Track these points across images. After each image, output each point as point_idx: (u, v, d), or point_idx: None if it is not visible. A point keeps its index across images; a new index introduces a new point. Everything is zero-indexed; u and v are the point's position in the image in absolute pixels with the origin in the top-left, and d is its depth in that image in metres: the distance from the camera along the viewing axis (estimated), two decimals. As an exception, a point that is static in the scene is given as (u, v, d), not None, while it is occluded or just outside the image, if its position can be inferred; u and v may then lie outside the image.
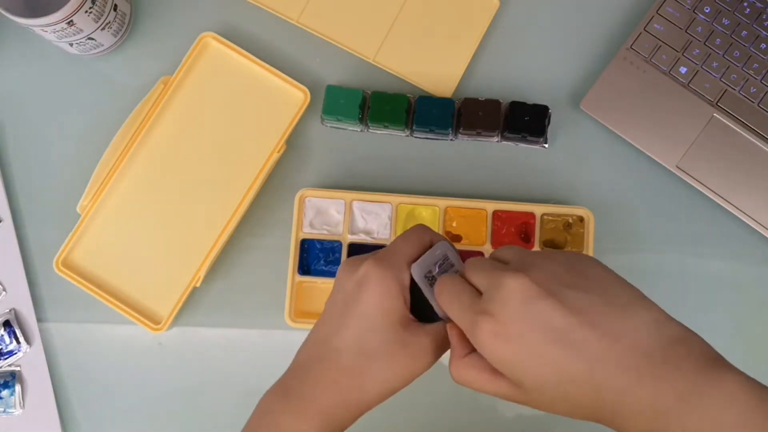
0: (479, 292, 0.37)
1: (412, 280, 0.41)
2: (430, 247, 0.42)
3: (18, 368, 0.62)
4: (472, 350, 0.38)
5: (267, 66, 0.63)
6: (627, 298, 0.35)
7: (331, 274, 0.61)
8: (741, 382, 0.32)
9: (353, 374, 0.39)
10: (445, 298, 0.39)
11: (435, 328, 0.41)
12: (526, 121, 0.61)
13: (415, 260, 0.41)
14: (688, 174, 0.61)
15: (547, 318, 0.34)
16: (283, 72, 0.63)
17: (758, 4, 0.62)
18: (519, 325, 0.34)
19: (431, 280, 0.41)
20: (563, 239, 0.61)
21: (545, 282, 0.35)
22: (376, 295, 0.39)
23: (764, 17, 0.62)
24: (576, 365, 0.33)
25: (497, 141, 0.63)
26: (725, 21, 0.62)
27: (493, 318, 0.35)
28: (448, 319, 0.40)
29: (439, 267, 0.42)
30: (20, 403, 0.61)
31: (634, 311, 0.34)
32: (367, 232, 0.61)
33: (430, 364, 0.41)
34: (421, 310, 0.41)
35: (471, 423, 0.62)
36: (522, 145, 0.63)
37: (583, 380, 0.33)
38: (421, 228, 0.43)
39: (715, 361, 0.34)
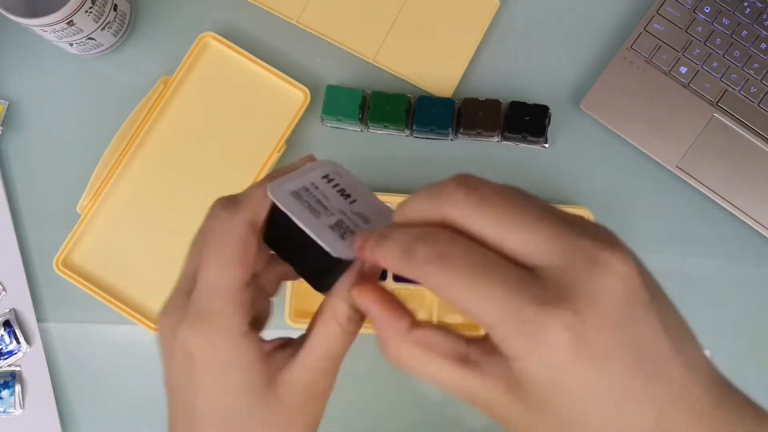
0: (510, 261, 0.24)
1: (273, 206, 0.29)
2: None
3: (18, 368, 0.62)
4: (414, 321, 0.27)
5: (267, 66, 0.63)
6: (682, 316, 0.26)
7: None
8: None
9: None
10: (461, 269, 0.24)
11: (300, 371, 0.29)
12: (526, 121, 0.61)
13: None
14: (688, 174, 0.61)
15: (645, 340, 0.24)
16: (283, 72, 0.63)
17: (758, 4, 0.62)
18: (613, 342, 0.23)
19: (315, 206, 0.28)
20: (563, 239, 0.61)
21: (646, 278, 0.25)
22: (213, 385, 0.28)
23: (764, 17, 0.62)
24: (647, 406, 0.24)
25: (497, 141, 0.63)
26: (725, 21, 0.62)
27: (580, 318, 0.23)
28: (340, 261, 0.27)
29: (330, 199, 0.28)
30: (20, 403, 0.61)
31: (694, 337, 0.26)
32: (367, 232, 0.61)
33: (304, 419, 0.30)
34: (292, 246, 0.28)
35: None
36: (522, 146, 0.63)
37: (648, 423, 0.24)
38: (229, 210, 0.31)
39: (759, 406, 0.27)
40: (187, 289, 0.30)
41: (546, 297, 0.23)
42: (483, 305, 0.24)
